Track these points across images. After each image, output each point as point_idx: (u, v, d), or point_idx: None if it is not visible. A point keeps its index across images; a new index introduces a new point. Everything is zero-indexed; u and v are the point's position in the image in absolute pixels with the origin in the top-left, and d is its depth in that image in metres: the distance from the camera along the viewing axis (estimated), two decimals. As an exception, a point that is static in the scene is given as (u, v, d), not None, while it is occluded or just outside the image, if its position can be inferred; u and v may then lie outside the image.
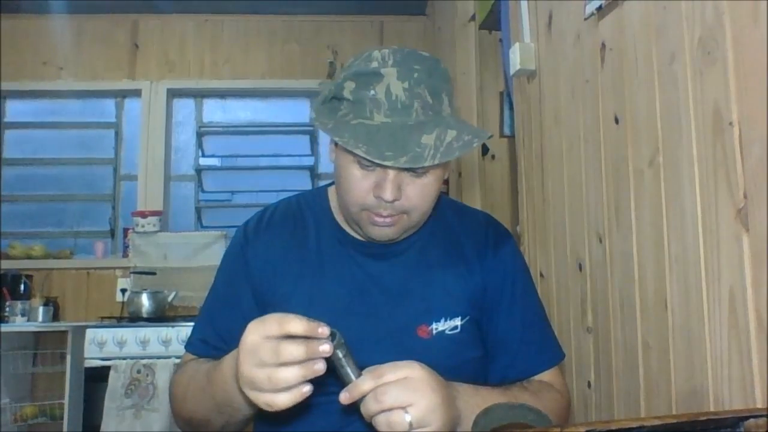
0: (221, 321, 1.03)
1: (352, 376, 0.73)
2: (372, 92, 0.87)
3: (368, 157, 0.83)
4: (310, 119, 0.99)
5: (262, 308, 1.00)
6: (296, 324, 0.71)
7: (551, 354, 1.04)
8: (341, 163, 0.93)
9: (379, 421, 0.72)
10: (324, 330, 0.71)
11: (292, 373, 0.70)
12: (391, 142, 0.83)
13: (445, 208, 1.08)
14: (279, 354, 0.70)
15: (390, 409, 0.72)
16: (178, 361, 2.93)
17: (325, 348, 0.70)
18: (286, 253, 1.03)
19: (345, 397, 0.73)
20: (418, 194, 0.91)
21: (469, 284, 1.01)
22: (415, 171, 0.89)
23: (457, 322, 0.98)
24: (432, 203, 0.95)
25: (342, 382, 0.74)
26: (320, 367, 0.70)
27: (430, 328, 0.96)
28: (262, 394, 0.71)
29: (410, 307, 0.98)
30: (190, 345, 1.05)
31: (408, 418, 0.72)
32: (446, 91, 0.92)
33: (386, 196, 0.88)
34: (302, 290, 1.00)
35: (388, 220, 0.91)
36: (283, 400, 0.70)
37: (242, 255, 1.04)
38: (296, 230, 1.05)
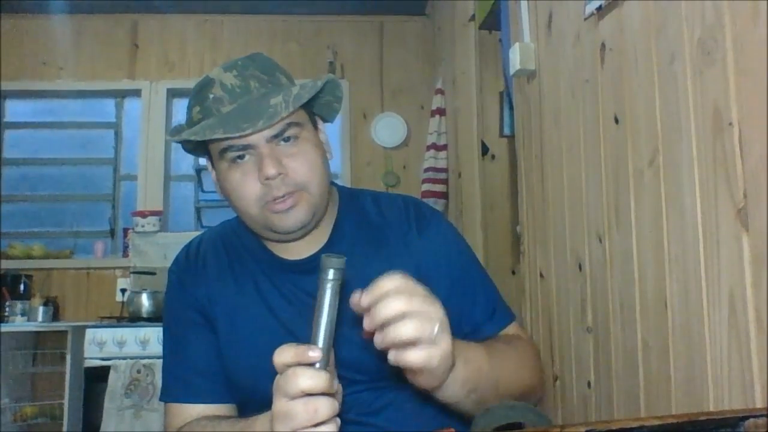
0: (193, 360, 1.02)
1: (325, 315, 0.71)
2: (211, 96, 0.92)
3: (228, 135, 0.86)
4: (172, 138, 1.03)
5: (216, 335, 1.01)
6: (285, 354, 0.70)
7: (501, 316, 1.06)
8: (222, 178, 0.96)
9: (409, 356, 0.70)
10: (315, 354, 0.69)
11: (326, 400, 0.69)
12: (243, 116, 0.87)
13: (365, 202, 1.08)
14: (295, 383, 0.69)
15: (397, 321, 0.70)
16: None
17: (315, 355, 0.69)
18: (223, 284, 1.04)
19: (358, 301, 0.71)
20: (301, 162, 0.93)
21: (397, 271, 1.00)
22: (285, 139, 0.92)
23: None
24: (322, 171, 0.96)
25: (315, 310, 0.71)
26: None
27: None
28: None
29: None
30: (170, 395, 1.02)
31: (436, 326, 0.70)
32: (279, 70, 0.97)
33: (269, 171, 0.89)
34: (247, 317, 1.00)
35: (288, 201, 0.92)
36: None
37: (182, 291, 1.06)
38: (230, 260, 1.06)
